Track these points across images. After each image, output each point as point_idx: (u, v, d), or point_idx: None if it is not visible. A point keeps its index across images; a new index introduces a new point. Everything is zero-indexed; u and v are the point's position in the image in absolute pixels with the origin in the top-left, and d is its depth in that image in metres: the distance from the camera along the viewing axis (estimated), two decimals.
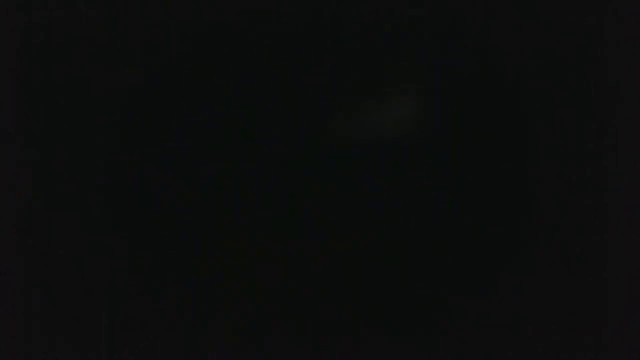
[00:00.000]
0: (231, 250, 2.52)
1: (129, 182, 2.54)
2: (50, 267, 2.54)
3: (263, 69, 2.53)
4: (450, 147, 2.52)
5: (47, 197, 2.54)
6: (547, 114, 2.56)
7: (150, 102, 2.55)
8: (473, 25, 2.54)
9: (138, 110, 2.55)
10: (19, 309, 2.53)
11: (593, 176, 2.54)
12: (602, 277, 2.53)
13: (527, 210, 2.55)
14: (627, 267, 2.52)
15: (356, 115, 2.51)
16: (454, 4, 2.54)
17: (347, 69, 2.52)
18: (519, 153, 2.55)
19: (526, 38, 2.55)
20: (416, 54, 2.54)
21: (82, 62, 2.55)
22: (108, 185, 2.54)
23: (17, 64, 2.55)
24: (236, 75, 2.53)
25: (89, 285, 2.53)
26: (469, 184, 2.52)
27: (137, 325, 2.52)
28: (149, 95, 2.55)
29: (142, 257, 2.53)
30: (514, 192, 2.55)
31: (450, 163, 2.52)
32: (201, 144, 2.52)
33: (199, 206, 2.52)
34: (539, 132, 2.55)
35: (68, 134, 2.55)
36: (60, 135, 2.55)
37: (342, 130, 2.51)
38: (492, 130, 2.54)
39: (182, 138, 2.52)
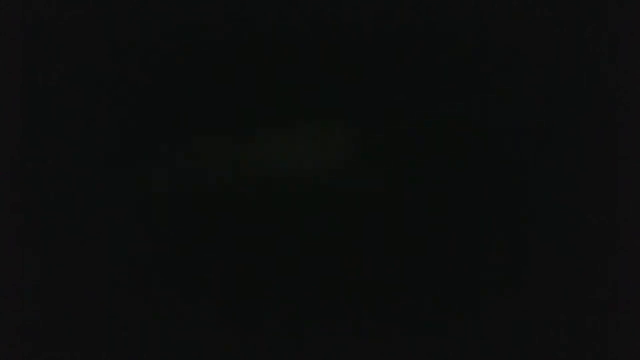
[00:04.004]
0: (230, 250, 2.51)
1: (128, 182, 2.54)
2: (51, 267, 2.54)
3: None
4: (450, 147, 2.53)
5: (46, 196, 2.54)
6: (547, 114, 2.56)
7: (150, 102, 2.55)
8: (472, 25, 2.55)
9: (138, 110, 2.55)
10: (19, 309, 2.53)
11: (595, 176, 2.54)
12: (606, 277, 2.53)
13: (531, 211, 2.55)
14: (628, 267, 2.52)
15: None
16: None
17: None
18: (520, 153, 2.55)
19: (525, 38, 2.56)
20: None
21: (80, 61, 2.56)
22: (106, 184, 2.55)
23: (19, 63, 2.56)
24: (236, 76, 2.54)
25: (89, 285, 2.53)
26: (471, 184, 2.53)
27: (137, 325, 2.52)
28: (148, 95, 2.55)
29: (142, 257, 2.53)
30: (516, 193, 2.55)
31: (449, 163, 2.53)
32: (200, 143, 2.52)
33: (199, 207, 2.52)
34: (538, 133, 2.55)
35: (68, 133, 2.55)
36: (61, 135, 2.55)
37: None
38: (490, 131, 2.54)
39: (183, 139, 2.53)
